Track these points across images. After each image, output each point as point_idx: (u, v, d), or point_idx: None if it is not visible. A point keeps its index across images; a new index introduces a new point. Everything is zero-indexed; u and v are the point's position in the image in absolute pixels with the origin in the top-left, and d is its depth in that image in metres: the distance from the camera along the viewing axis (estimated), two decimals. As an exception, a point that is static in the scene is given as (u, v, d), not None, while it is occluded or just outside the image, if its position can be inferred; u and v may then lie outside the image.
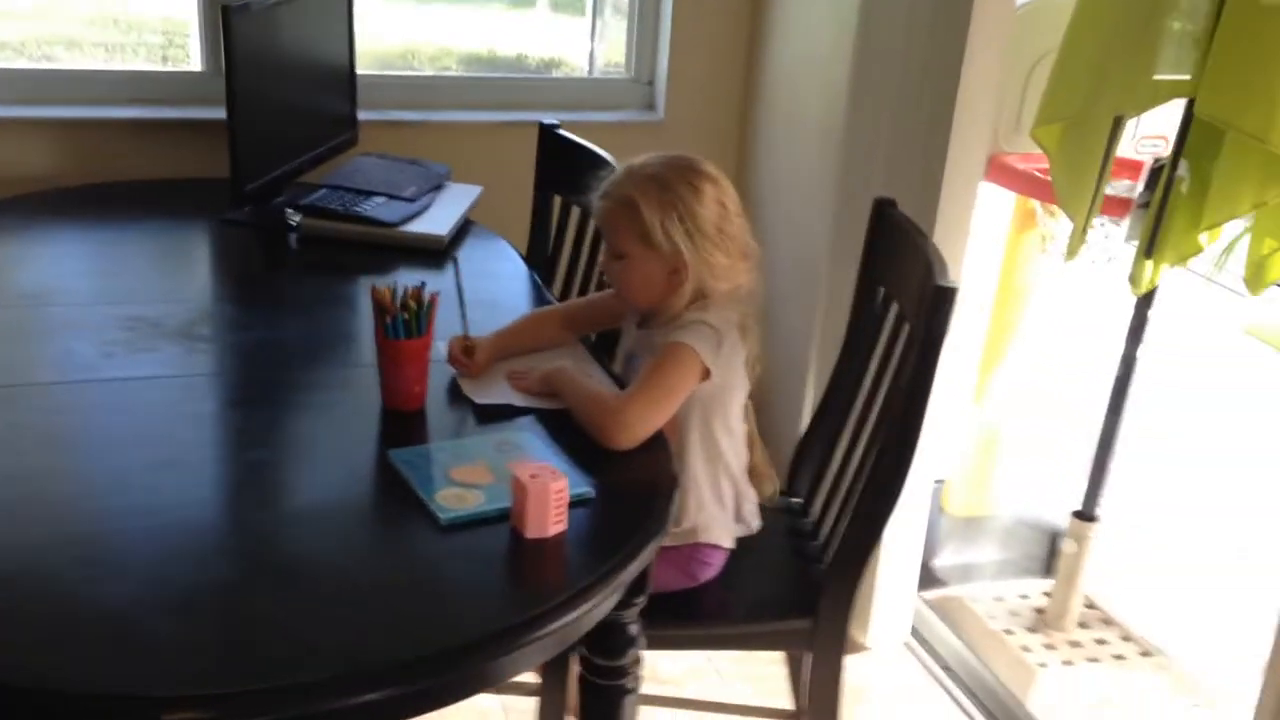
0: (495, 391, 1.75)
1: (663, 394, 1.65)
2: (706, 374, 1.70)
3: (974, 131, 2.24)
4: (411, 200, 2.45)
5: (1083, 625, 2.80)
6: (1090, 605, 2.84)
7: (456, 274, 1.81)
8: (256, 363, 1.83)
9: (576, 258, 2.38)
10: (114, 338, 1.83)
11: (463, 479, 1.51)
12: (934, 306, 1.68)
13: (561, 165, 2.44)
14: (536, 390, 1.74)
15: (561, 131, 2.45)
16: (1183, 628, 2.89)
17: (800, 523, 2.11)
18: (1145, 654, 2.73)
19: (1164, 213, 2.34)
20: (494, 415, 1.70)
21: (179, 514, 1.40)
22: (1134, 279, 2.43)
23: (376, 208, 2.38)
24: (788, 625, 1.88)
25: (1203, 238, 2.35)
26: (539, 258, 2.48)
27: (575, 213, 2.40)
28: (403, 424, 1.68)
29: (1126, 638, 2.78)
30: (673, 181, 1.70)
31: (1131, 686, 2.64)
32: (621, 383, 1.79)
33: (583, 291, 2.33)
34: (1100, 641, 2.76)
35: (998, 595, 2.90)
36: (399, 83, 2.98)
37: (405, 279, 2.21)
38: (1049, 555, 3.06)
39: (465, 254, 2.37)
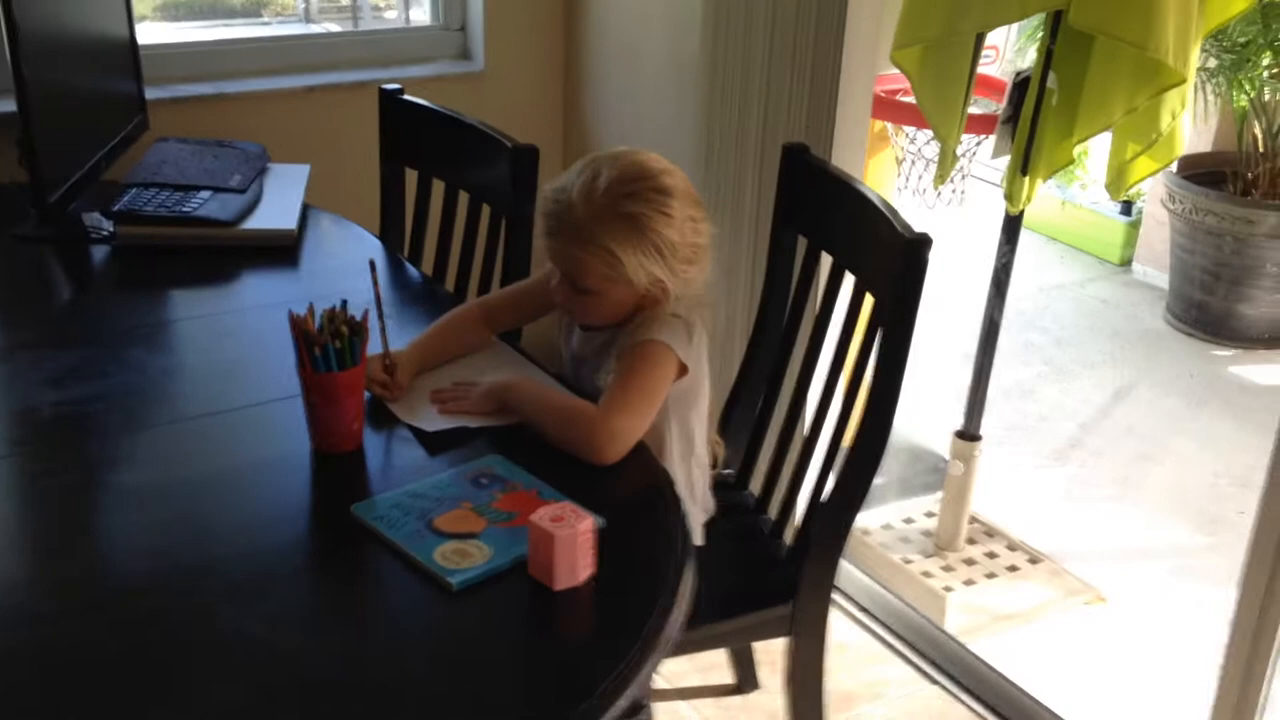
0: (437, 415, 1.52)
1: (644, 398, 1.47)
2: (683, 370, 1.53)
3: (864, 57, 2.12)
4: (241, 191, 2.13)
5: (970, 541, 2.83)
6: (971, 519, 2.86)
7: (373, 274, 1.54)
8: (134, 420, 1.51)
9: (448, 236, 2.13)
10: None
11: (452, 528, 1.29)
12: (907, 261, 1.56)
13: (412, 133, 2.17)
14: (480, 409, 1.53)
15: (408, 97, 2.17)
16: (1050, 527, 2.97)
17: (739, 497, 1.98)
18: (1034, 561, 2.79)
19: (1036, 126, 2.32)
20: (442, 443, 1.48)
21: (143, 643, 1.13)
22: (1011, 196, 2.41)
23: (204, 204, 2.05)
24: (766, 615, 1.75)
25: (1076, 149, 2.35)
26: (396, 241, 2.21)
27: (439, 187, 2.14)
28: (341, 470, 1.43)
29: (1012, 547, 2.83)
30: (645, 216, 1.49)
31: (1030, 595, 2.69)
32: (567, 383, 1.60)
33: (462, 275, 2.09)
34: (991, 555, 2.79)
35: (884, 522, 2.89)
36: (180, 51, 2.59)
37: (258, 285, 1.96)
38: (925, 474, 3.08)
39: (318, 247, 2.09)
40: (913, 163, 2.71)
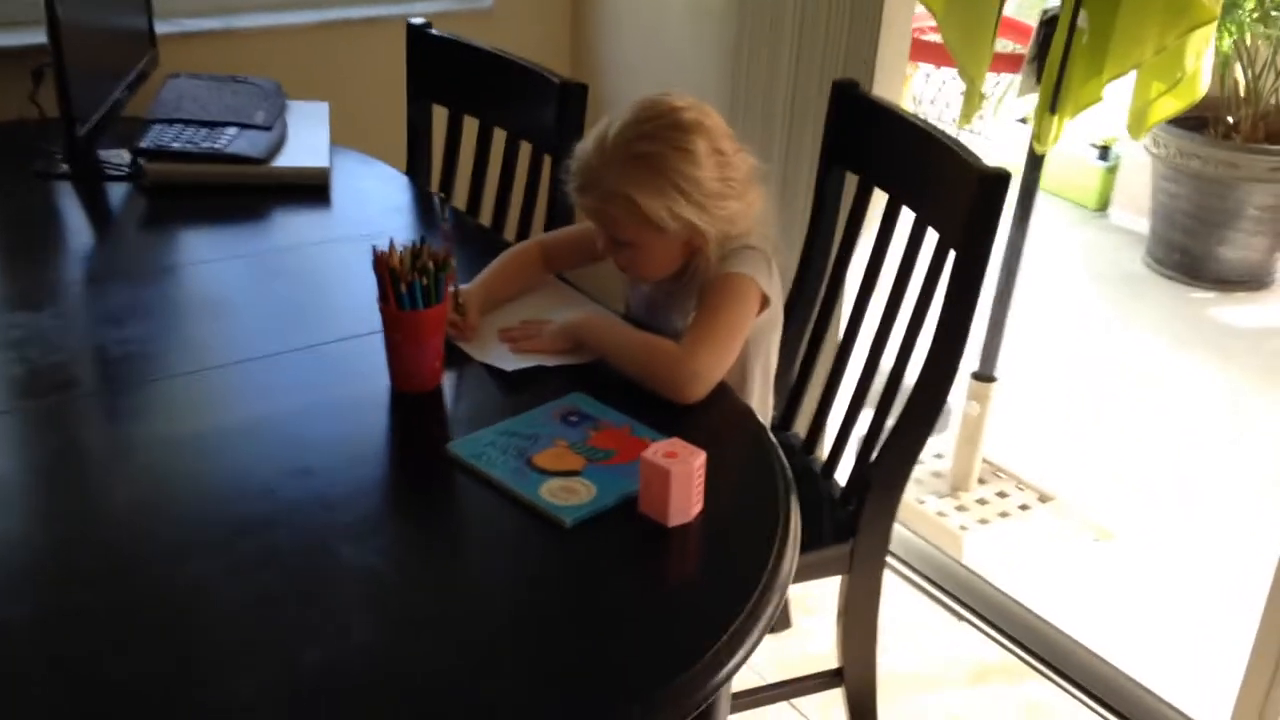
0: (511, 354, 1.49)
1: (728, 333, 1.46)
2: (765, 302, 1.52)
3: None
4: (267, 128, 2.06)
5: (980, 481, 2.86)
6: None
7: (441, 210, 1.51)
8: (204, 358, 1.46)
9: (481, 175, 2.09)
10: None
11: (552, 466, 1.27)
12: (983, 196, 1.54)
13: (442, 70, 2.11)
14: (555, 347, 1.50)
15: (438, 32, 2.11)
16: (1054, 466, 3.01)
17: (784, 438, 1.97)
18: (1043, 499, 2.82)
19: (1065, 65, 2.32)
20: (518, 382, 1.45)
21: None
22: (1039, 135, 2.41)
23: (233, 141, 1.98)
24: (825, 555, 1.75)
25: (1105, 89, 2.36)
26: (424, 180, 2.16)
27: (471, 124, 2.09)
28: (422, 408, 1.40)
29: (1022, 486, 2.86)
30: (662, 156, 1.45)
31: (1042, 533, 2.72)
32: (638, 324, 1.57)
33: (499, 213, 2.05)
34: (1001, 494, 2.82)
35: (895, 465, 2.90)
36: (184, -15, 2.50)
37: (294, 223, 1.91)
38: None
39: (348, 186, 2.03)
40: (931, 102, 2.70)
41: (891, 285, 1.78)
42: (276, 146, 2.02)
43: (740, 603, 1.10)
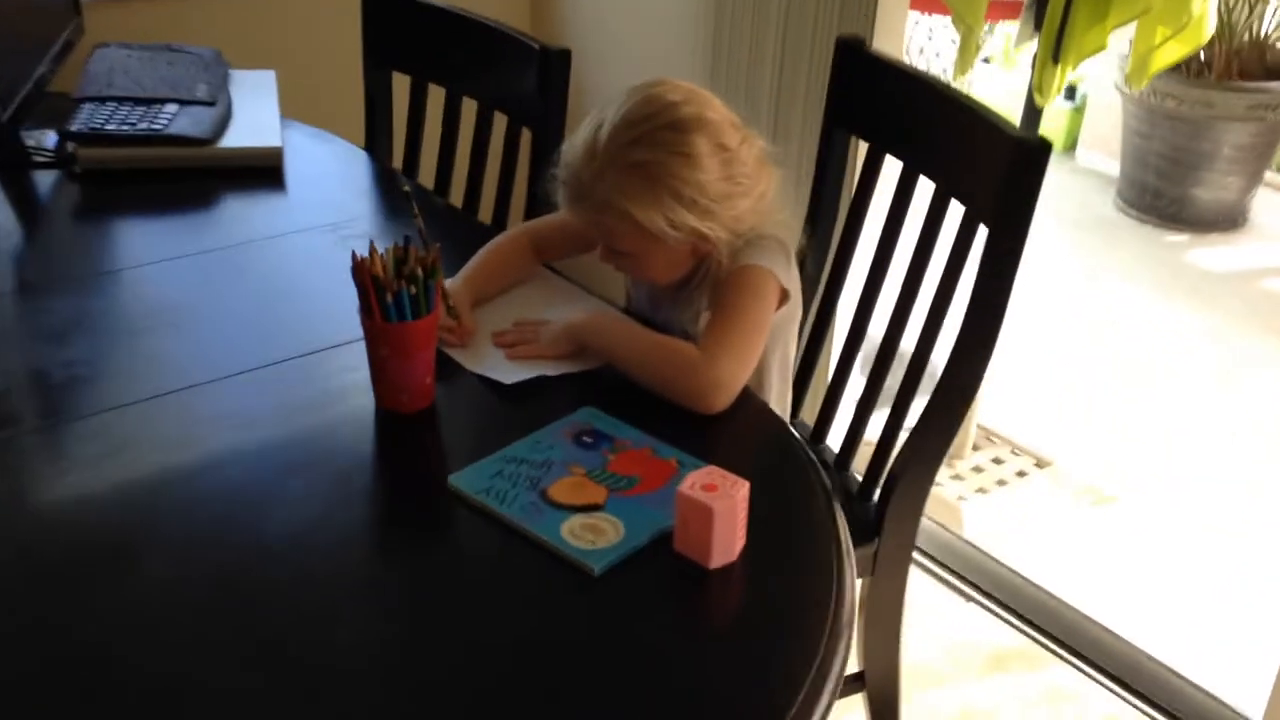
0: (507, 362, 1.33)
1: (749, 336, 1.30)
2: (785, 296, 1.37)
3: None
4: (210, 103, 1.86)
5: (974, 448, 2.75)
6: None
7: (409, 202, 1.33)
8: (160, 381, 1.26)
9: (450, 150, 1.91)
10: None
11: (570, 499, 1.12)
12: (1024, 167, 1.39)
13: (405, 34, 1.92)
14: (556, 352, 1.34)
15: (396, -9, 1.92)
16: (1047, 428, 2.91)
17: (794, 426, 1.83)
18: (1040, 464, 2.72)
19: (1068, 11, 2.17)
20: (517, 394, 1.29)
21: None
22: (1040, 87, 2.26)
23: (174, 120, 1.78)
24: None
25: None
26: (385, 155, 1.98)
27: (437, 94, 1.90)
28: (414, 432, 1.24)
29: (1017, 451, 2.75)
30: (660, 164, 1.28)
31: (1042, 501, 2.62)
32: (641, 321, 1.42)
33: (471, 194, 1.87)
34: (997, 461, 2.71)
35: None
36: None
37: (250, 213, 1.73)
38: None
39: (304, 167, 1.84)
40: (920, 51, 2.55)
41: (910, 261, 1.64)
42: (222, 124, 1.83)
43: (808, 653, 0.96)
